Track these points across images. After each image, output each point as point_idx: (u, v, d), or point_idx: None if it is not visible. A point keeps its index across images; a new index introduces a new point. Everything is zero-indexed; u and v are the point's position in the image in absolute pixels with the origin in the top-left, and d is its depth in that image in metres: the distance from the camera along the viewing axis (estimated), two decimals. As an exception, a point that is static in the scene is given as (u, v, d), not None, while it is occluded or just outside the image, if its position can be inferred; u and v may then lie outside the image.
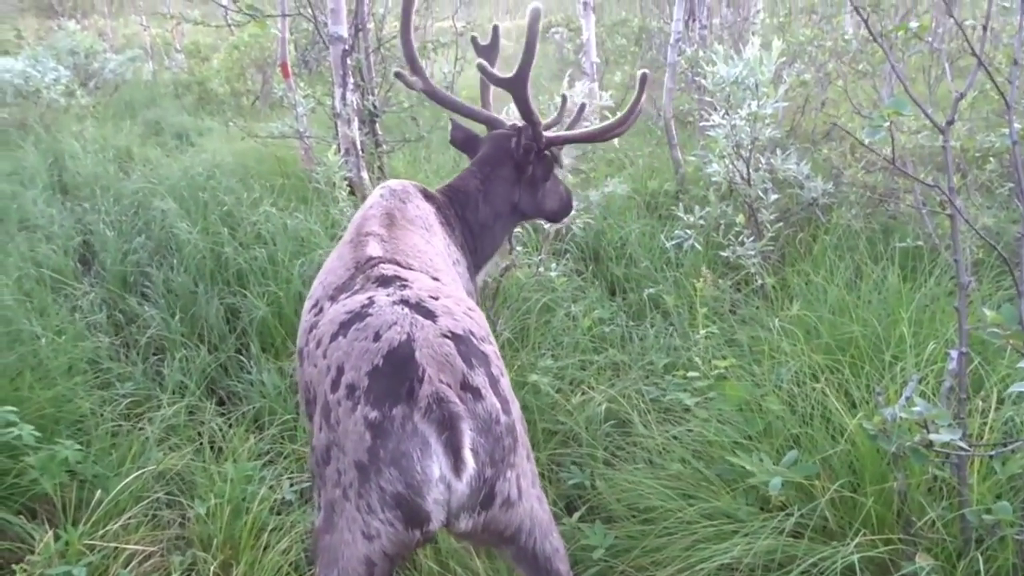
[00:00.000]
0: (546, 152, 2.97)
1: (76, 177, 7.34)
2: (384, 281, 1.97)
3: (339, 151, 5.91)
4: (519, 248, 4.18)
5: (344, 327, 1.78)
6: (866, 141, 1.87)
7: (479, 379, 1.68)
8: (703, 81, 3.94)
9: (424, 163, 7.52)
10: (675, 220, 5.45)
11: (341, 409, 1.66)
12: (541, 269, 3.97)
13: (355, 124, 6.22)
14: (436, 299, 1.84)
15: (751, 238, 3.95)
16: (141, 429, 3.12)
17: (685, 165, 6.50)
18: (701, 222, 3.96)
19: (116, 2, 22.06)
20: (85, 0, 21.53)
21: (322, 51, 12.10)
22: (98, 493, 2.55)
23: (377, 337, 1.70)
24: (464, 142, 3.12)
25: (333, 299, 2.00)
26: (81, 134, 8.92)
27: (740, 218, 4.09)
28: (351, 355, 1.71)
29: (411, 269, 2.12)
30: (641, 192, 6.13)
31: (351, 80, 6.06)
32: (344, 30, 5.97)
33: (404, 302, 1.79)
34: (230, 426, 3.25)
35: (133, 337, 4.10)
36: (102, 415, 3.14)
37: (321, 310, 2.01)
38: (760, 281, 3.88)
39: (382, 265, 2.07)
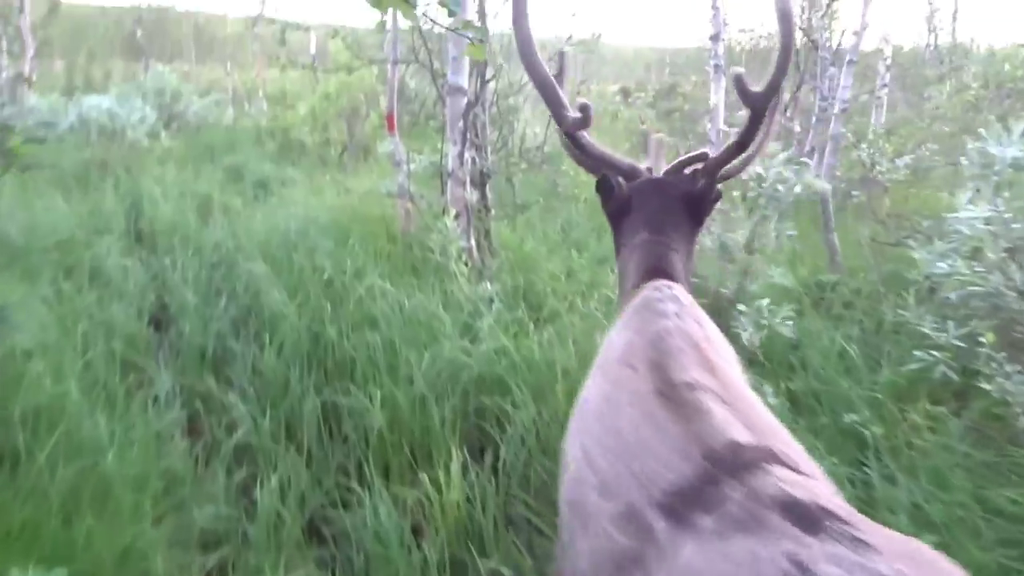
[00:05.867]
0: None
1: (154, 224, 6.78)
2: (801, 516, 1.01)
3: (448, 214, 5.19)
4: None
5: None
6: None
7: None
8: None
9: (526, 230, 6.74)
10: (840, 320, 4.57)
11: None
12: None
13: (468, 185, 5.52)
14: None
15: (1019, 370, 3.01)
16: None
17: (840, 252, 5.61)
18: (956, 342, 3.03)
19: (203, 48, 22.39)
20: (173, 44, 21.88)
21: (408, 104, 11.63)
22: None
23: None
24: (619, 197, 2.04)
25: (674, 515, 1.08)
26: (162, 177, 8.47)
27: (989, 337, 3.16)
28: None
29: (812, 477, 1.20)
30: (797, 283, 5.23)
31: (470, 137, 5.38)
32: (465, 80, 5.30)
33: None
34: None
35: (215, 438, 3.32)
36: None
37: (651, 534, 1.11)
38: (1033, 429, 2.92)
39: (769, 468, 1.12)
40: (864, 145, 5.34)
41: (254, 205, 7.71)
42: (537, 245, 6.07)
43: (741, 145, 2.02)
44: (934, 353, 3.02)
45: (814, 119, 9.69)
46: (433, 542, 2.72)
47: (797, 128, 10.55)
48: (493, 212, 6.18)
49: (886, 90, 9.66)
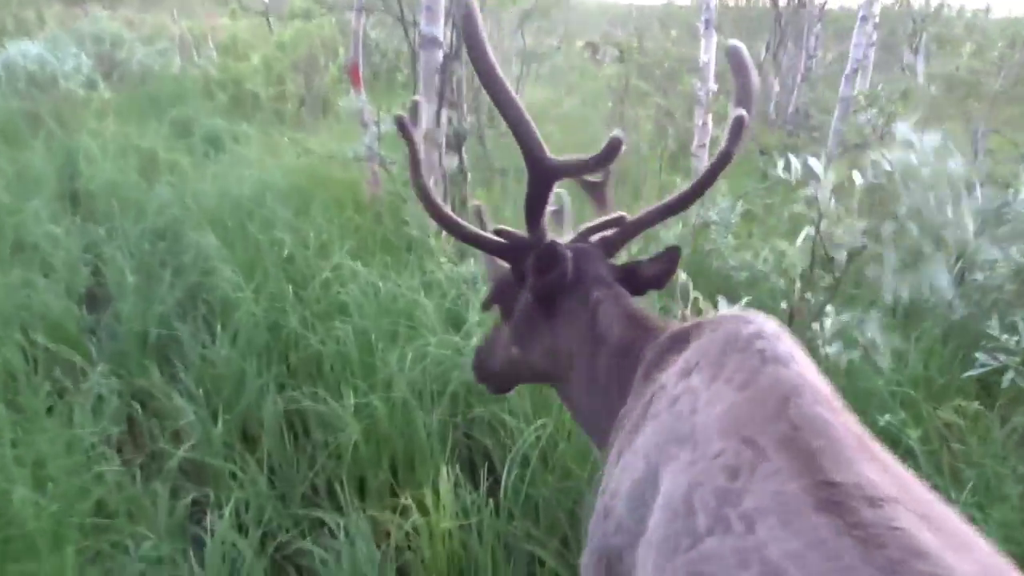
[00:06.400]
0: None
1: (91, 185, 6.10)
2: None
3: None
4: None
5: None
6: None
7: None
8: None
9: (504, 198, 6.22)
10: (852, 301, 4.22)
11: None
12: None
13: (443, 148, 5.00)
14: None
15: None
16: None
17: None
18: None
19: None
20: (115, -13, 20.46)
21: (370, 55, 10.88)
22: None
23: None
24: (564, 268, 1.68)
25: None
26: (100, 132, 7.71)
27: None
28: None
29: None
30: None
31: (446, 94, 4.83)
32: (440, 31, 4.73)
33: None
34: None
35: (159, 449, 2.81)
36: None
37: None
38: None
39: None
40: (875, 109, 4.93)
41: (204, 163, 7.04)
42: (518, 214, 5.57)
43: (681, 204, 1.76)
44: (999, 357, 2.64)
45: (799, 78, 9.30)
46: (421, 579, 2.29)
47: (777, 88, 10.16)
48: (470, 177, 5.67)
49: (873, 50, 9.30)
